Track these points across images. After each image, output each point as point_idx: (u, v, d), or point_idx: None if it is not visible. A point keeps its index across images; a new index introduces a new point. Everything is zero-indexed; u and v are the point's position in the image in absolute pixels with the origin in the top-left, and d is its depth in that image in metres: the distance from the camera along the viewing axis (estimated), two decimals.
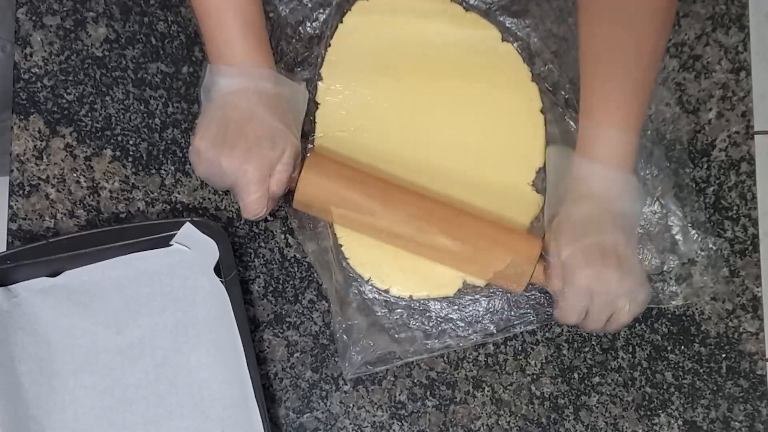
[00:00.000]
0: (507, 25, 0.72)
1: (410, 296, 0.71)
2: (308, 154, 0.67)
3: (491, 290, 0.71)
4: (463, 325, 0.71)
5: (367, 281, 0.71)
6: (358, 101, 0.71)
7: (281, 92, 0.65)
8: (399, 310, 0.71)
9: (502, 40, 0.72)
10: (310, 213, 0.69)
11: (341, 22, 0.72)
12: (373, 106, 0.71)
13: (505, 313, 0.71)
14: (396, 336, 0.70)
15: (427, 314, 0.71)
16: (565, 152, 0.68)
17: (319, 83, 0.71)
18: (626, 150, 0.64)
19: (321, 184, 0.66)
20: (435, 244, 0.67)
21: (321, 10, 0.72)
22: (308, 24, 0.72)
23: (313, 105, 0.71)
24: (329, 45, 0.72)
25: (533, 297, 0.71)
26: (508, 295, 0.71)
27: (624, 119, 0.63)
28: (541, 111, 0.72)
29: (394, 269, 0.71)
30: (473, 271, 0.69)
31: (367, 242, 0.70)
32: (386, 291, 0.71)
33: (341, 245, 0.71)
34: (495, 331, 0.71)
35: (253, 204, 0.63)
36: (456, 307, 0.71)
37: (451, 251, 0.67)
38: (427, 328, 0.71)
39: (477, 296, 0.71)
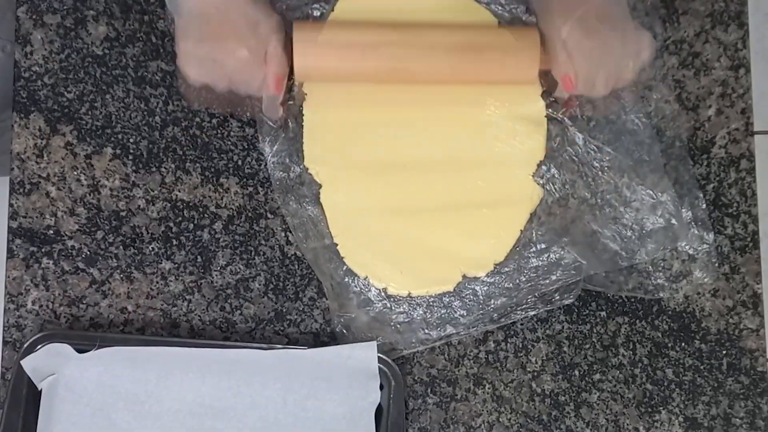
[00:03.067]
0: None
1: (408, 294, 0.71)
2: (293, 25, 0.67)
3: (491, 279, 0.71)
4: (464, 312, 0.71)
5: (364, 279, 0.71)
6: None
7: None
8: (400, 302, 0.71)
9: (499, 24, 0.72)
10: (313, 80, 0.69)
11: (332, 10, 0.71)
12: (363, 98, 0.71)
13: (505, 299, 0.71)
14: (397, 327, 0.70)
15: (428, 304, 0.71)
16: None
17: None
18: None
19: (316, 50, 0.66)
20: (437, 63, 0.67)
21: (315, 5, 0.71)
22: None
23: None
24: None
25: (532, 283, 0.71)
26: (507, 283, 0.71)
27: None
28: (542, 97, 0.71)
29: (391, 267, 0.71)
30: (481, 73, 0.68)
31: (362, 240, 0.70)
32: (384, 290, 0.71)
33: (336, 244, 0.71)
34: (496, 317, 0.71)
35: (266, 83, 0.63)
36: (456, 295, 0.71)
37: (456, 60, 0.67)
38: (428, 317, 0.71)
39: (477, 286, 0.71)
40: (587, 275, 0.71)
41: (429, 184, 0.71)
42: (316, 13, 0.71)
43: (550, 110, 0.71)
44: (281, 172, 0.71)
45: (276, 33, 0.64)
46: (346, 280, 0.70)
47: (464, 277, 0.71)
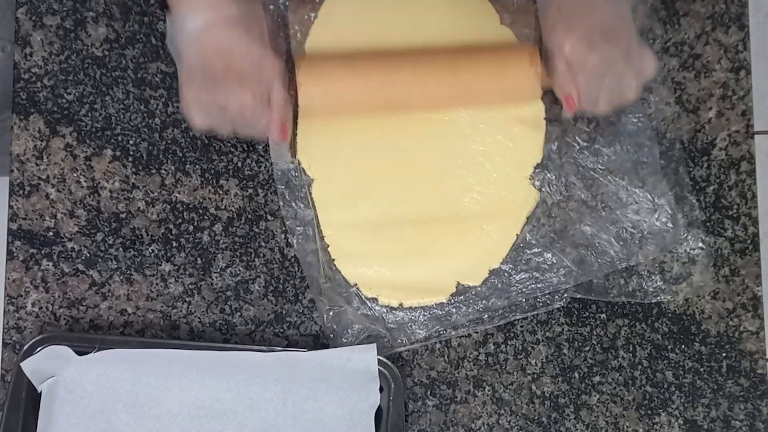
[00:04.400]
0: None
1: (400, 304, 0.71)
2: (298, 62, 0.67)
3: (487, 288, 0.71)
4: (456, 313, 0.70)
5: (353, 287, 0.70)
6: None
7: (245, 13, 0.64)
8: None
9: (501, 23, 0.71)
10: (319, 114, 0.69)
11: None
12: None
13: (498, 301, 0.71)
14: (389, 324, 0.70)
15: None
16: None
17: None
18: None
19: (320, 87, 0.66)
20: (440, 89, 0.67)
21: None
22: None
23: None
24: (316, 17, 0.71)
25: (526, 285, 0.71)
26: (500, 285, 0.71)
27: None
28: (542, 100, 0.71)
29: (383, 275, 0.70)
30: (486, 94, 0.68)
31: (354, 247, 0.70)
32: (374, 299, 0.70)
33: (327, 245, 0.70)
34: (486, 318, 0.71)
35: (270, 127, 0.63)
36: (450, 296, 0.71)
37: (458, 86, 0.67)
38: (420, 317, 0.70)
39: (471, 295, 0.71)
40: (585, 283, 0.71)
41: (423, 188, 0.71)
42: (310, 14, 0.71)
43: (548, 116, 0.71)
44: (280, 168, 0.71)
45: (279, 75, 0.64)
46: (338, 277, 0.70)
47: (458, 285, 0.71)
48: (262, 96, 0.62)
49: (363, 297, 0.70)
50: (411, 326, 0.70)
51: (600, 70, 0.62)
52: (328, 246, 0.70)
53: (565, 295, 0.71)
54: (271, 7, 0.70)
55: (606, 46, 0.62)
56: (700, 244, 0.72)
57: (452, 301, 0.71)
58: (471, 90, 0.68)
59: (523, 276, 0.71)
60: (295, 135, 0.70)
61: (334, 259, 0.70)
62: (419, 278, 0.70)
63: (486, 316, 0.71)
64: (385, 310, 0.70)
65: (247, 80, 0.62)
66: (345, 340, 0.69)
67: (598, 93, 0.64)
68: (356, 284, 0.70)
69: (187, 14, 0.62)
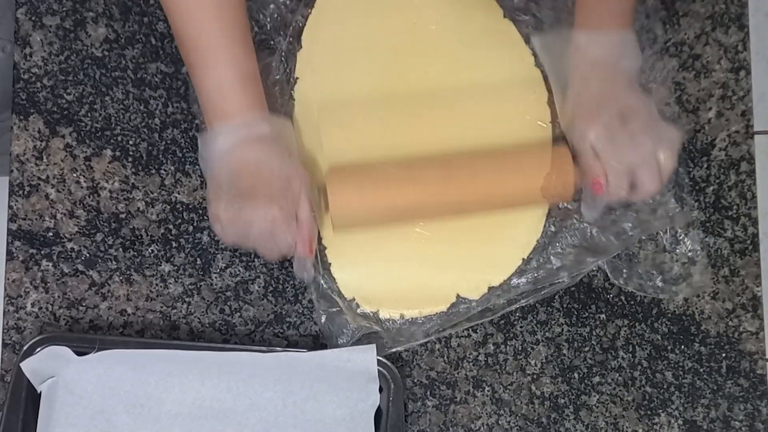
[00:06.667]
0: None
1: (401, 315, 0.70)
2: (326, 178, 0.66)
3: (486, 298, 0.71)
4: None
5: (351, 301, 0.70)
6: (339, 82, 0.70)
7: (276, 130, 0.64)
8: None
9: (504, 16, 0.71)
10: (352, 230, 0.68)
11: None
12: (357, 86, 0.70)
13: (499, 301, 0.71)
14: (385, 324, 0.70)
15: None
16: (555, 36, 0.68)
17: (299, 54, 0.70)
18: (625, 7, 0.65)
19: (349, 203, 0.65)
20: (475, 197, 0.66)
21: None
22: None
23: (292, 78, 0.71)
24: (311, 10, 0.71)
25: (525, 285, 0.71)
26: (500, 292, 0.71)
27: None
28: (548, 103, 0.71)
29: (383, 288, 0.70)
30: (517, 200, 0.68)
31: (353, 253, 0.69)
32: (375, 313, 0.70)
33: (325, 247, 0.70)
34: (489, 314, 0.71)
35: (298, 247, 0.62)
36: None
37: (490, 195, 0.66)
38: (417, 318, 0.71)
39: (472, 301, 0.71)
40: (583, 282, 0.71)
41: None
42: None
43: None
44: None
45: (305, 190, 0.63)
46: (335, 287, 0.70)
47: (458, 297, 0.71)
48: (290, 212, 0.62)
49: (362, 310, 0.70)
50: (410, 328, 0.70)
51: (625, 157, 0.62)
52: (326, 248, 0.70)
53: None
54: (272, 6, 0.70)
55: (629, 129, 0.62)
56: (710, 245, 0.72)
57: (452, 309, 0.70)
58: (500, 199, 0.67)
59: (522, 280, 0.71)
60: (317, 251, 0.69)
61: (330, 263, 0.70)
62: (419, 290, 0.70)
63: (487, 313, 0.71)
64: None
65: (276, 197, 0.61)
66: (342, 340, 0.69)
67: (627, 178, 0.63)
68: (354, 298, 0.70)
69: (220, 132, 0.62)
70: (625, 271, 0.71)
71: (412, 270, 0.70)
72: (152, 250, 0.71)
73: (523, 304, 0.71)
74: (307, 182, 0.64)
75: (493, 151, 0.68)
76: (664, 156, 0.63)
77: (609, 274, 0.71)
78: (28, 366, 0.66)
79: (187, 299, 0.71)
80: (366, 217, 0.66)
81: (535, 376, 0.72)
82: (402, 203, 0.66)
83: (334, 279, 0.70)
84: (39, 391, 0.66)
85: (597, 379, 0.72)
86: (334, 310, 0.69)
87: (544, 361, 0.72)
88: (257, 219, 0.61)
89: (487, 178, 0.66)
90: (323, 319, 0.69)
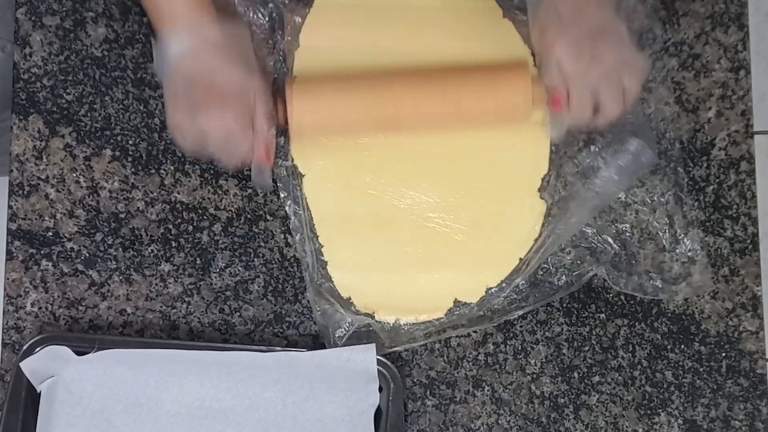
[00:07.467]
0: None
1: (396, 320, 0.70)
2: (289, 84, 0.66)
3: (483, 303, 0.71)
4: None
5: (347, 300, 0.70)
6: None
7: (229, 36, 0.64)
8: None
9: (504, 16, 0.71)
10: (309, 136, 0.68)
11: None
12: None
13: (498, 301, 0.71)
14: (383, 324, 0.70)
15: None
16: None
17: (297, 53, 0.70)
18: None
19: (311, 111, 0.65)
20: (430, 107, 0.66)
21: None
22: None
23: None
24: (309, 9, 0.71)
25: (524, 285, 0.71)
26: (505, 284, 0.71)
27: None
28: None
29: (379, 292, 0.70)
30: (477, 112, 0.67)
31: (349, 253, 0.69)
32: (371, 316, 0.70)
33: (322, 245, 0.70)
34: (489, 314, 0.71)
35: (256, 154, 0.63)
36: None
37: (447, 104, 0.66)
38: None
39: (468, 310, 0.70)
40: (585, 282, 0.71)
41: (425, 202, 0.70)
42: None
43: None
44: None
45: (262, 99, 0.63)
46: (330, 286, 0.70)
47: (456, 301, 0.71)
48: (244, 119, 0.62)
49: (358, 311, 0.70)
50: (408, 329, 0.70)
51: (592, 73, 0.62)
52: (323, 246, 0.70)
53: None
54: (271, 5, 0.70)
55: (596, 48, 0.62)
56: (710, 245, 0.72)
57: (449, 314, 0.70)
58: (461, 108, 0.66)
59: (522, 281, 0.71)
60: (275, 158, 0.69)
61: (327, 261, 0.70)
62: (416, 296, 0.70)
63: (489, 313, 0.71)
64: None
65: (228, 103, 0.61)
66: (338, 335, 0.69)
67: (590, 97, 0.63)
68: (350, 297, 0.70)
69: (170, 39, 0.62)
70: (623, 275, 0.71)
71: (408, 274, 0.70)
72: (152, 250, 0.71)
73: (521, 313, 0.71)
74: (262, 89, 0.64)
75: (461, 67, 0.68)
76: (628, 79, 0.63)
77: (608, 281, 0.71)
78: (27, 366, 0.66)
79: (186, 299, 0.71)
80: (328, 121, 0.66)
81: (534, 376, 0.72)
82: (364, 108, 0.66)
83: (331, 277, 0.70)
84: (38, 391, 0.67)
85: (597, 378, 0.72)
86: (329, 306, 0.69)
87: (543, 360, 0.72)
88: (212, 128, 0.61)
89: (449, 86, 0.66)
90: (318, 316, 0.69)
